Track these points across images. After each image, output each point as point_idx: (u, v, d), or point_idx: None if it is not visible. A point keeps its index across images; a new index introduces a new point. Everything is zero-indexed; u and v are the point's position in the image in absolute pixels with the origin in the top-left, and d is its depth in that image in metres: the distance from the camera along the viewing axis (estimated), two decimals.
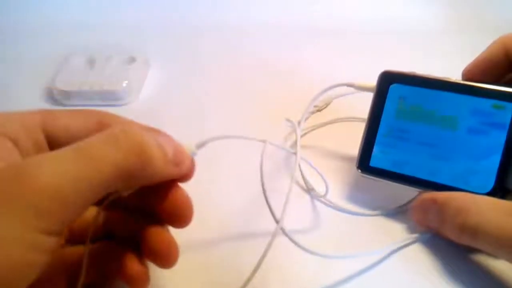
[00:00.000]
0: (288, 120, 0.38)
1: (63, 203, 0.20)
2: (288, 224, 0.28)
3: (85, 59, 0.50)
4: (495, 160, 0.31)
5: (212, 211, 0.35)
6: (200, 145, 0.28)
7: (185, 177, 0.27)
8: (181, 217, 0.27)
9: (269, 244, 0.27)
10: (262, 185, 0.29)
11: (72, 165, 0.21)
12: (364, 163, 0.34)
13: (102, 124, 0.27)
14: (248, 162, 0.31)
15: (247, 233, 0.33)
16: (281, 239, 0.28)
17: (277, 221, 0.28)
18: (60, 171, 0.20)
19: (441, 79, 0.33)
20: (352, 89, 0.37)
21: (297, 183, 0.37)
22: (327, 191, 0.34)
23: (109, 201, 0.26)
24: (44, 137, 0.26)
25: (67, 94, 0.47)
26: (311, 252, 0.29)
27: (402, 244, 0.32)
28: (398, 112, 0.34)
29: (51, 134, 0.26)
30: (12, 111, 0.26)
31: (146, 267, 0.27)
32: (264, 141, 0.29)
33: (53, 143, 0.26)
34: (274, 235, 0.27)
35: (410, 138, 0.33)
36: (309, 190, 0.37)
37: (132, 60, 0.50)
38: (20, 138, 0.25)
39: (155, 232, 0.27)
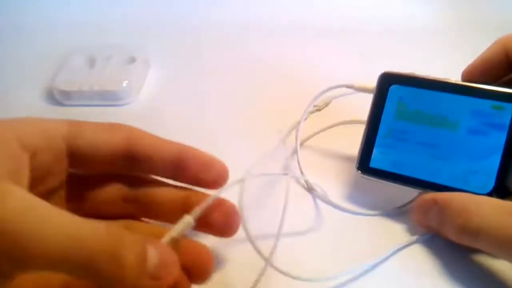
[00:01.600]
0: (287, 125, 0.38)
1: None
2: (288, 224, 0.28)
3: (85, 59, 0.50)
4: (495, 161, 0.31)
5: None
6: (197, 215, 0.26)
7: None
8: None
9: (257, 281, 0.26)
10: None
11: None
12: (364, 164, 0.34)
13: (129, 139, 0.27)
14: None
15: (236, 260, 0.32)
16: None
17: (265, 259, 0.27)
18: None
19: (441, 80, 0.33)
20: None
21: (298, 182, 0.37)
22: (327, 193, 0.34)
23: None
24: (65, 149, 0.26)
25: (67, 94, 0.47)
26: (306, 280, 0.28)
27: (402, 244, 0.32)
28: (398, 113, 0.34)
29: (76, 147, 0.26)
30: (38, 118, 0.26)
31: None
32: (286, 174, 0.29)
33: (77, 155, 0.26)
34: (261, 274, 0.27)
35: (410, 139, 0.33)
36: (309, 190, 0.37)
37: (132, 60, 0.50)
38: (40, 152, 0.25)
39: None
